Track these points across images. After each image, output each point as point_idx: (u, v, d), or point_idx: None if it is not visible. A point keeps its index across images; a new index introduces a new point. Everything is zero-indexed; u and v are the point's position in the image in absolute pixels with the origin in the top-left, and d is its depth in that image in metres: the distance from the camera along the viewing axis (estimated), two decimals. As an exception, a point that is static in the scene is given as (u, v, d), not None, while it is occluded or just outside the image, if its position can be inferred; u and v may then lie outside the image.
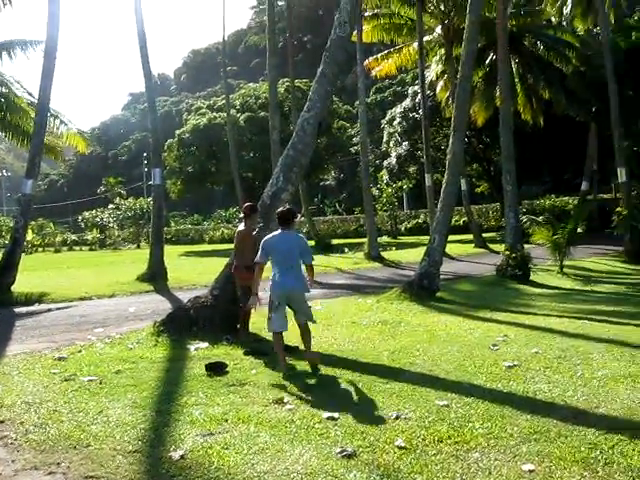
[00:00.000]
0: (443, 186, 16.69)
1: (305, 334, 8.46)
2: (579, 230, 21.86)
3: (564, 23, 38.52)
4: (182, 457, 5.20)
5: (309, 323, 8.52)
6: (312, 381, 7.60)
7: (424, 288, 15.09)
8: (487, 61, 34.49)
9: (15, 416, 6.47)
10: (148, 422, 6.17)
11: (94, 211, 74.99)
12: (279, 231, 8.39)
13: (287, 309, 8.37)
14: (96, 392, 7.29)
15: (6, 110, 23.59)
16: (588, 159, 37.92)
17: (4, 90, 23.64)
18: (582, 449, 5.13)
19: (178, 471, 4.95)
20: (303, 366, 8.37)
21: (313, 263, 8.49)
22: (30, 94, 23.69)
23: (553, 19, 38.90)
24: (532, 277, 18.54)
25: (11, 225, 31.98)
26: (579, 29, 38.14)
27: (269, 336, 10.32)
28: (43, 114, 19.45)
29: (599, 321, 11.56)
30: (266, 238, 8.45)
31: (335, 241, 43.44)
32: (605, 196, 44.50)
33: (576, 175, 43.08)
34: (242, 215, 10.93)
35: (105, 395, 7.15)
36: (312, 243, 39.37)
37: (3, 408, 6.77)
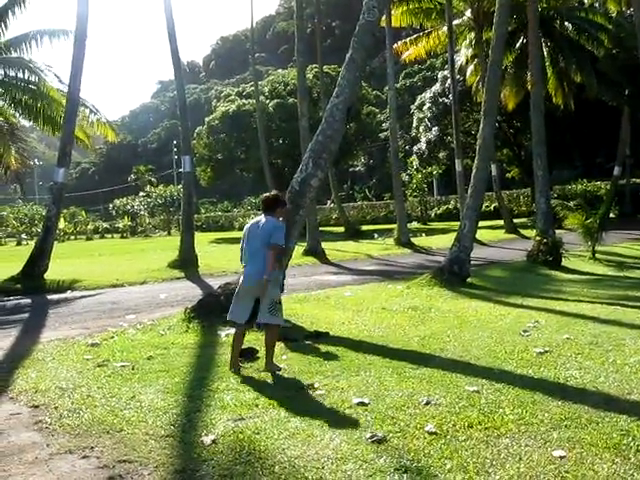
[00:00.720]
0: (473, 171, 16.58)
1: (267, 339, 7.71)
2: (611, 215, 21.60)
3: (596, 5, 37.97)
4: (214, 442, 5.24)
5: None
6: (342, 367, 7.61)
7: (454, 274, 15.03)
8: (517, 44, 34.13)
9: (49, 401, 6.56)
10: (180, 407, 6.23)
11: (125, 199, 75.60)
12: (261, 216, 7.84)
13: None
14: (128, 378, 7.37)
15: (37, 99, 23.76)
16: (621, 143, 37.35)
17: (34, 79, 23.78)
18: (614, 436, 5.09)
19: (210, 455, 4.99)
20: (333, 351, 8.39)
21: (283, 247, 7.77)
22: (61, 81, 23.84)
23: (585, 1, 38.34)
24: (564, 263, 18.37)
25: (44, 213, 32.34)
26: (612, 11, 37.55)
27: (299, 322, 10.41)
28: (74, 103, 19.63)
29: (632, 307, 11.44)
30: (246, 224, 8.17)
31: (365, 227, 43.44)
32: (638, 181, 43.90)
33: (608, 159, 42.52)
34: None
35: (137, 380, 7.23)
36: (342, 229, 39.38)
37: (38, 393, 6.87)
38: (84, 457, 5.05)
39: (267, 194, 8.17)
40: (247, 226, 7.96)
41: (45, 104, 23.74)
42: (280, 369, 7.55)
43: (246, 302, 7.64)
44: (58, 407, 6.33)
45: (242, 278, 7.77)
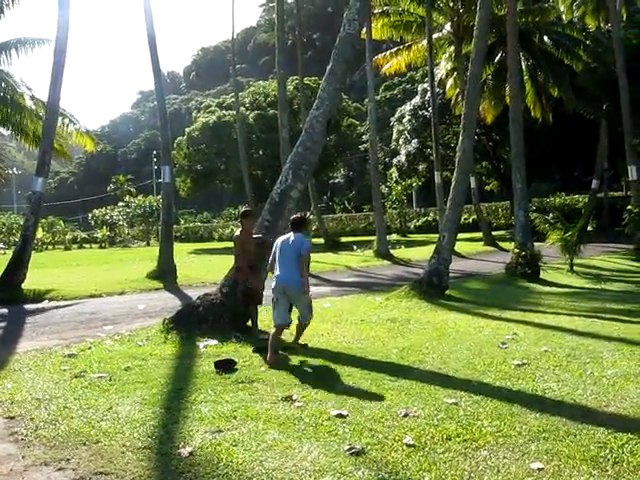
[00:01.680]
0: (452, 184, 16.66)
1: (299, 329, 9.45)
2: (589, 228, 21.75)
3: (575, 20, 38.41)
4: (191, 454, 5.21)
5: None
6: (320, 378, 7.60)
7: (433, 286, 15.07)
8: (497, 58, 34.36)
9: (25, 412, 6.49)
10: (157, 419, 6.19)
11: (104, 209, 75.15)
12: (290, 233, 9.10)
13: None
14: (106, 389, 7.32)
15: (13, 110, 23.52)
16: (598, 157, 37.71)
17: (9, 90, 23.58)
18: (591, 448, 5.12)
19: (187, 468, 4.96)
20: (312, 363, 8.38)
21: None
22: (32, 97, 23.85)
23: (564, 16, 38.77)
24: (542, 275, 18.48)
25: (22, 223, 32.09)
26: (590, 26, 38.02)
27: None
28: (53, 112, 19.52)
29: (609, 320, 11.53)
30: (277, 240, 9.30)
31: (344, 239, 43.43)
32: (616, 194, 44.35)
33: (586, 173, 42.94)
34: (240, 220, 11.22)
35: (115, 392, 7.18)
36: (321, 241, 39.45)
37: (14, 404, 6.79)
38: (60, 469, 5.00)
39: (297, 215, 9.49)
40: (278, 242, 9.16)
41: (20, 115, 23.54)
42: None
43: (283, 304, 8.94)
44: (34, 418, 6.27)
45: (274, 284, 8.95)
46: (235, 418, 6.10)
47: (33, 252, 20.43)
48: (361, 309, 13.38)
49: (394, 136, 50.55)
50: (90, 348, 9.83)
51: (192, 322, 10.67)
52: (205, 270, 23.86)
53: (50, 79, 18.95)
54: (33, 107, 23.85)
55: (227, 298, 10.89)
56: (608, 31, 34.44)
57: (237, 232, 10.96)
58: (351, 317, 12.27)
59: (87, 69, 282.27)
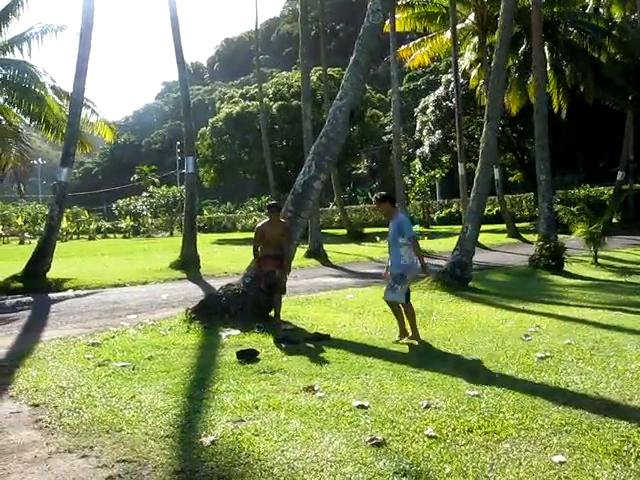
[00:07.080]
0: (476, 175, 16.57)
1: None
2: (614, 220, 21.54)
3: (600, 10, 38.00)
4: (213, 443, 5.23)
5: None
6: (343, 369, 7.59)
7: (456, 278, 15.03)
8: (521, 49, 34.10)
9: (50, 400, 6.55)
10: (180, 408, 6.22)
11: (128, 199, 75.63)
12: None
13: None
14: (129, 377, 7.37)
15: (37, 103, 23.68)
16: (624, 148, 37.34)
17: (33, 82, 23.72)
18: (614, 441, 5.08)
19: (209, 456, 4.98)
20: (334, 354, 8.38)
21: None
22: (53, 87, 24.02)
23: (590, 5, 38.35)
24: (566, 268, 18.36)
25: (46, 213, 32.35)
26: (616, 16, 37.58)
27: (300, 324, 10.44)
28: (77, 103, 19.63)
29: (634, 313, 11.41)
30: None
31: (367, 230, 43.39)
32: (641, 186, 43.85)
33: (611, 164, 42.51)
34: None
35: (138, 381, 7.22)
36: (344, 232, 39.46)
37: (38, 392, 6.86)
38: (83, 456, 5.05)
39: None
40: None
41: (43, 108, 23.71)
42: None
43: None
44: (58, 406, 6.33)
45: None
46: (257, 408, 6.12)
47: (58, 242, 20.63)
48: (383, 300, 13.34)
49: (417, 127, 50.29)
50: (114, 337, 9.91)
51: (215, 312, 10.72)
52: (228, 260, 23.94)
53: (75, 70, 19.07)
54: (55, 98, 24.01)
55: (250, 288, 10.93)
56: (635, 21, 34.04)
57: (260, 223, 11.04)
58: (373, 308, 12.26)
59: (111, 60, 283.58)
